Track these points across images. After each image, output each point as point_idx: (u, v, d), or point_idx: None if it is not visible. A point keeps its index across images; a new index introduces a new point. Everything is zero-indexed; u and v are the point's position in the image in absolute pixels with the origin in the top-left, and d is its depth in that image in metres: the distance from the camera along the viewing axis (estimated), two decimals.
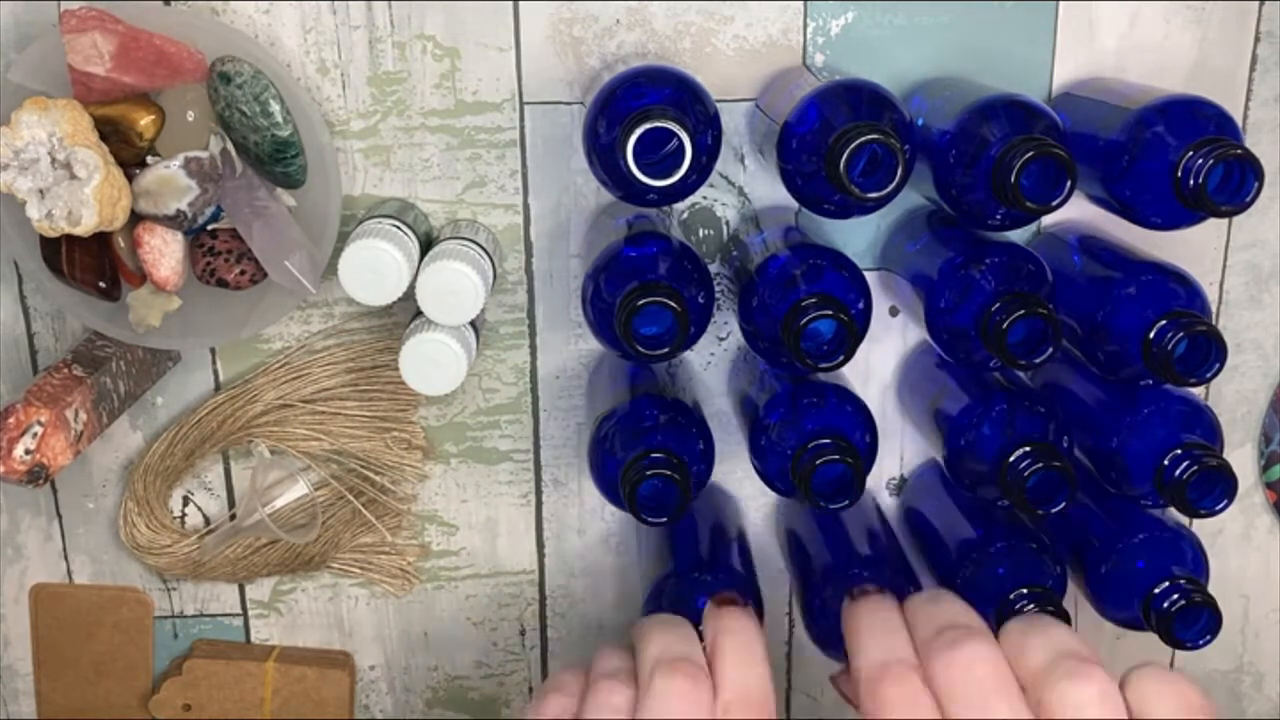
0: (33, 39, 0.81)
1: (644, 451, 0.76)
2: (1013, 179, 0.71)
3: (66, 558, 0.95)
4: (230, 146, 0.79)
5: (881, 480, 0.96)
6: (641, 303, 0.72)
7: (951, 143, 0.75)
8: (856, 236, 0.89)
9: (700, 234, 0.89)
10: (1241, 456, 0.97)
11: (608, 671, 0.62)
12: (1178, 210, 0.74)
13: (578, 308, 0.88)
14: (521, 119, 0.86)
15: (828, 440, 0.77)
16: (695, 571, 0.84)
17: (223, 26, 0.81)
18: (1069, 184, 0.72)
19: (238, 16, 0.82)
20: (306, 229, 0.81)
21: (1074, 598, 0.90)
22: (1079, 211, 0.86)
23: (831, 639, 0.83)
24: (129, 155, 0.77)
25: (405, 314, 0.89)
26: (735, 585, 0.83)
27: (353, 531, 0.94)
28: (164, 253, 0.79)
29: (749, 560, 0.87)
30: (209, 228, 0.81)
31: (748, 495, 0.95)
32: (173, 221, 0.78)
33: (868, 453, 0.80)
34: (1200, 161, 0.71)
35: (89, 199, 0.74)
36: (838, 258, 0.77)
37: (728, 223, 0.89)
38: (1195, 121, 0.75)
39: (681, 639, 0.62)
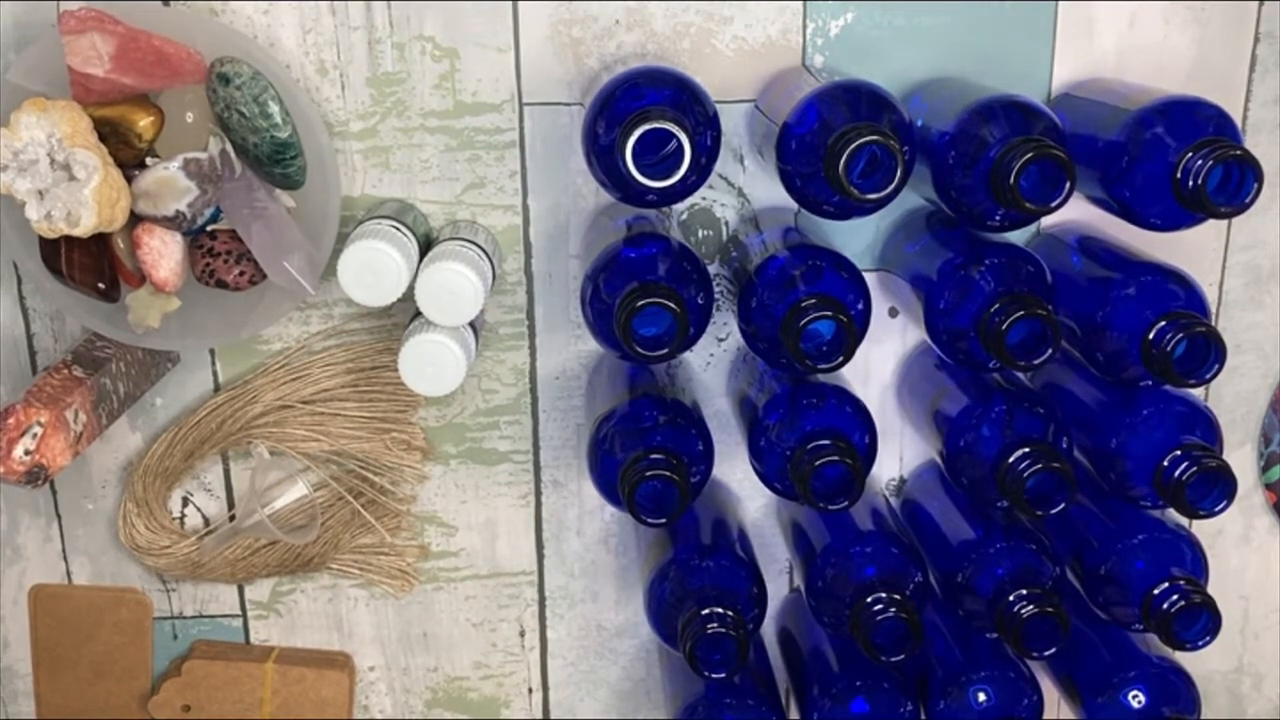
0: (32, 40, 0.81)
1: (643, 452, 0.76)
2: (1012, 180, 0.70)
3: (66, 559, 0.95)
4: (229, 147, 0.79)
5: (881, 481, 0.96)
6: (641, 304, 0.72)
7: (951, 144, 0.75)
8: (856, 237, 0.89)
9: (700, 235, 0.89)
10: (1241, 457, 0.97)
11: None
12: (1177, 211, 0.74)
13: (577, 308, 0.87)
14: (521, 120, 0.86)
15: (827, 441, 0.77)
16: (696, 558, 0.83)
17: (222, 27, 0.81)
18: (1068, 185, 0.72)
19: (237, 17, 0.82)
20: (306, 230, 0.81)
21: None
22: (1079, 212, 0.86)
23: (834, 617, 0.83)
24: (128, 156, 0.77)
25: (404, 315, 0.89)
26: (737, 572, 0.83)
27: (352, 532, 0.94)
28: (163, 254, 0.79)
29: (749, 547, 0.87)
30: (208, 229, 0.81)
31: (748, 495, 0.95)
32: (172, 222, 0.78)
33: (867, 453, 0.80)
34: (1200, 162, 0.71)
35: (88, 200, 0.74)
36: (837, 259, 0.77)
37: (727, 223, 0.89)
38: (1194, 122, 0.75)
39: None
